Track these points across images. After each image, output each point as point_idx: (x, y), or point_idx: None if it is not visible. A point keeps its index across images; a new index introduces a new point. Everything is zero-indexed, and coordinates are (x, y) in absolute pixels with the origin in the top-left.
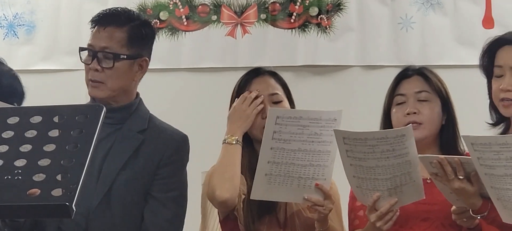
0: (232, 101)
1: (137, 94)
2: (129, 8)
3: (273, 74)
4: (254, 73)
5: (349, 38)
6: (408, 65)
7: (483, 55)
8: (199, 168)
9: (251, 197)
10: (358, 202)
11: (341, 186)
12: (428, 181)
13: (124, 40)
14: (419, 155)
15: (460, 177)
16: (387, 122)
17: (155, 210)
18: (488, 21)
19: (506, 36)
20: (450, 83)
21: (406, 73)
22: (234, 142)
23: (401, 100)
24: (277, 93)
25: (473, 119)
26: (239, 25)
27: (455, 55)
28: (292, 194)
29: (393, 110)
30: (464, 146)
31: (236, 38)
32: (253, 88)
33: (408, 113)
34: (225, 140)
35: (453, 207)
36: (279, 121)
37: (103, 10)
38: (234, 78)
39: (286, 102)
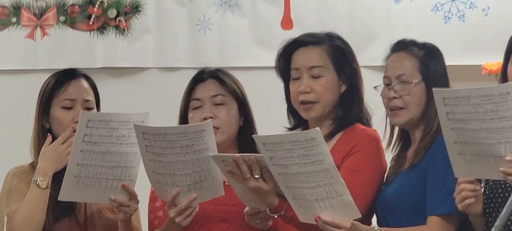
0: (40, 103)
1: None
2: None
3: (86, 77)
4: (70, 76)
5: (147, 40)
6: (206, 67)
7: (279, 58)
8: (1, 171)
9: (59, 199)
10: (157, 203)
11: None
12: (227, 184)
13: None
14: (211, 154)
15: (256, 175)
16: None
17: None
18: (286, 22)
19: (300, 39)
20: (249, 84)
21: (201, 77)
22: (44, 187)
23: (197, 104)
24: (90, 100)
25: (273, 120)
26: (38, 27)
27: (253, 56)
28: (99, 195)
29: (190, 114)
30: None
31: (35, 40)
32: (69, 91)
33: (204, 118)
34: (36, 181)
35: (246, 208)
36: (90, 124)
37: None
38: (34, 81)
39: (95, 110)
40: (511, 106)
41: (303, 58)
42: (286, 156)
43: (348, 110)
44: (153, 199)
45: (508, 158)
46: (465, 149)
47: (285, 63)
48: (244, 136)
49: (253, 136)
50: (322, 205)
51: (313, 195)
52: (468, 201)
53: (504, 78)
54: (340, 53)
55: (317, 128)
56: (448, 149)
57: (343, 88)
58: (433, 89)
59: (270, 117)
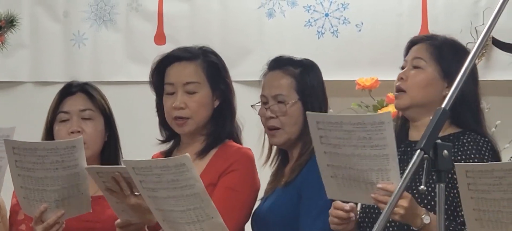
0: None
1: None
2: None
3: None
4: None
5: (22, 54)
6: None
7: (153, 73)
8: None
9: None
10: (20, 216)
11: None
12: (95, 197)
13: None
14: (86, 166)
15: (135, 193)
16: (49, 138)
17: None
18: (160, 38)
19: (175, 53)
20: (122, 99)
21: (69, 90)
22: None
23: (65, 117)
24: None
25: (145, 135)
26: None
27: (127, 71)
28: None
29: (56, 127)
30: None
31: None
32: None
33: (72, 132)
34: None
35: (117, 221)
36: None
37: None
38: None
39: None
40: (384, 135)
41: (178, 73)
42: (155, 180)
43: (221, 125)
44: (14, 212)
45: (379, 185)
46: (338, 172)
47: (158, 77)
48: (108, 152)
49: (123, 160)
50: (193, 228)
51: (184, 218)
52: (338, 227)
53: None
54: (214, 69)
55: (187, 154)
56: (321, 171)
57: (217, 103)
58: (307, 113)
59: (143, 131)
